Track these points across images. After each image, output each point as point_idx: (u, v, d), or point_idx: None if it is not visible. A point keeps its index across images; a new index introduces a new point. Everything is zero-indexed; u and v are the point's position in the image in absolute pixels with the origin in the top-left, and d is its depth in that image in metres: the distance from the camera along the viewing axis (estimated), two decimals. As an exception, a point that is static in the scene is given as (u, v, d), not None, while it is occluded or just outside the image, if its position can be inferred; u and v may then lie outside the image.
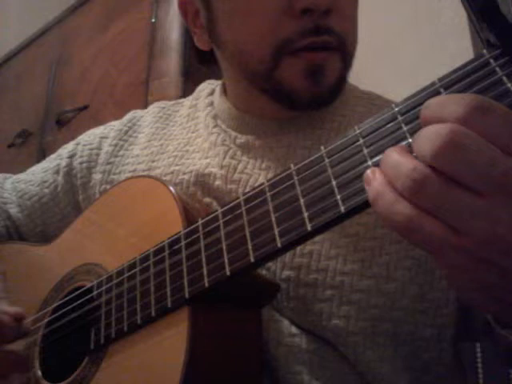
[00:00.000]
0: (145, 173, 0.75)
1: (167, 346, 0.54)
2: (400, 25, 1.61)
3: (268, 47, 0.64)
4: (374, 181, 0.38)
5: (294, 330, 0.61)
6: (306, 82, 0.64)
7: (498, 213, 0.34)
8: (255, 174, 0.68)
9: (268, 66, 0.65)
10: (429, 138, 0.35)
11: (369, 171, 0.39)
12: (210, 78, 0.89)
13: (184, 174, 0.71)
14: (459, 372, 0.66)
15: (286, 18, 0.63)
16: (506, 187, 0.33)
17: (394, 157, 0.37)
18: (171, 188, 0.62)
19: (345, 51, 0.66)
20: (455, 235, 0.34)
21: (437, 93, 0.40)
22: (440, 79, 0.40)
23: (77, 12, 2.12)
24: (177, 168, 0.72)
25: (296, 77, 0.65)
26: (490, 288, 0.36)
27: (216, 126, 0.75)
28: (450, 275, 0.37)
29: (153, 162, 0.76)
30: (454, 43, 1.46)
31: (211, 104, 0.79)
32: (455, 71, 0.39)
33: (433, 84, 0.40)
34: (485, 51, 0.38)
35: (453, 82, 0.39)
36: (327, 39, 0.64)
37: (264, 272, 0.62)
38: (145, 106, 1.52)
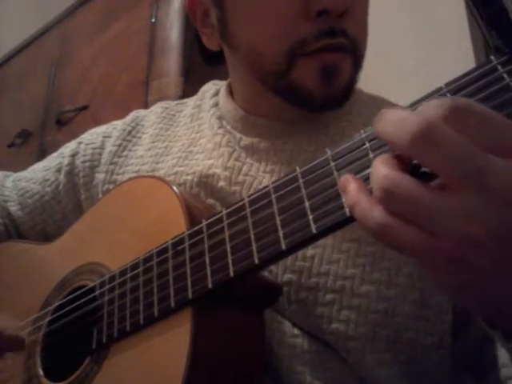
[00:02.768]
0: (149, 174, 0.74)
1: (170, 346, 0.54)
2: (400, 25, 1.62)
3: (283, 48, 0.64)
4: (349, 188, 0.39)
5: (296, 331, 0.61)
6: (320, 82, 0.64)
7: (471, 211, 0.33)
8: (259, 176, 0.68)
9: (282, 67, 0.65)
10: (404, 125, 0.35)
11: (343, 178, 0.40)
12: (210, 78, 0.88)
13: (187, 174, 0.70)
14: (458, 375, 0.66)
15: (302, 20, 0.63)
16: (480, 183, 0.33)
17: (375, 165, 0.37)
18: (174, 188, 0.62)
19: (357, 54, 0.66)
20: (431, 238, 0.34)
21: None
22: (447, 84, 0.40)
23: (77, 12, 2.12)
24: (180, 169, 0.72)
25: (310, 77, 0.64)
26: (469, 288, 0.36)
27: (221, 126, 0.75)
28: (432, 277, 0.37)
29: (157, 163, 0.76)
30: (454, 43, 1.46)
31: (216, 105, 0.79)
32: (462, 77, 0.39)
33: (439, 89, 0.40)
34: (492, 57, 0.38)
35: (459, 88, 0.39)
36: (342, 41, 0.64)
37: (266, 275, 0.62)
38: (145, 105, 1.53)
